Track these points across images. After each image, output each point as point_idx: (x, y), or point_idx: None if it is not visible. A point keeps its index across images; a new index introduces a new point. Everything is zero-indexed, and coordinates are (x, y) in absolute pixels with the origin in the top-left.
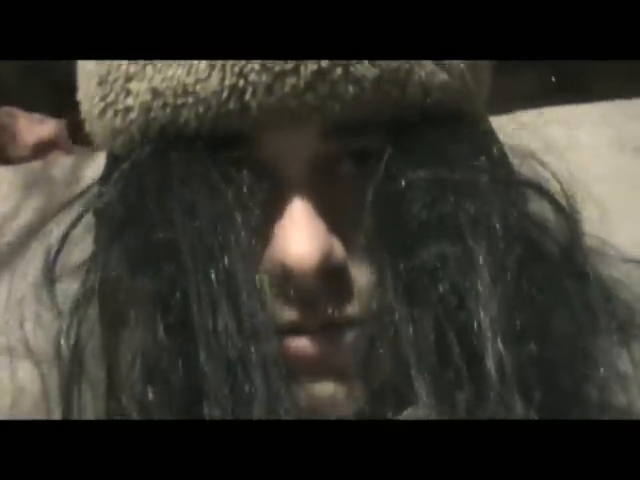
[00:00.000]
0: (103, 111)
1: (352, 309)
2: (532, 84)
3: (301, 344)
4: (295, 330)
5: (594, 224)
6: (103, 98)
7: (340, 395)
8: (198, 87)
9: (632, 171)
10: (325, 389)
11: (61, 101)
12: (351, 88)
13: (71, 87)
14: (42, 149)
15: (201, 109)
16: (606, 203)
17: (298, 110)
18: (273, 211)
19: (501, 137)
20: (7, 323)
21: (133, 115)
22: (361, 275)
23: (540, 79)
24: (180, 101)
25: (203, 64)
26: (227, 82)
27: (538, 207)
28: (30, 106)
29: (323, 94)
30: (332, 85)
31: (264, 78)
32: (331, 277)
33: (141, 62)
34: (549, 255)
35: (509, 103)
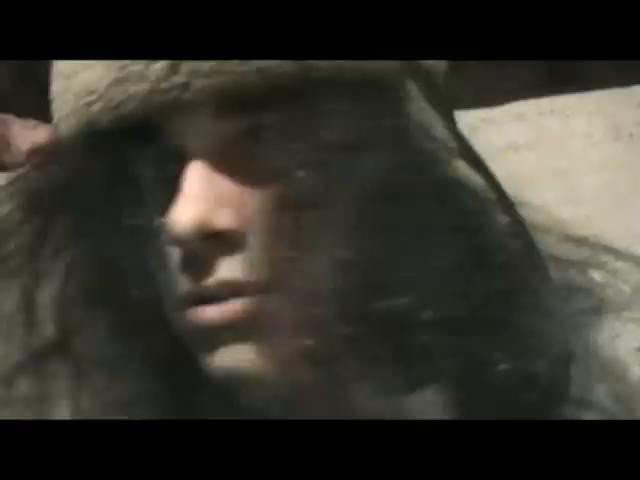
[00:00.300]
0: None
1: (252, 275)
2: (525, 75)
3: (208, 313)
4: (203, 300)
5: (589, 211)
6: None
7: (249, 358)
8: (98, 84)
9: (627, 158)
10: (233, 354)
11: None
12: (236, 64)
13: None
14: (36, 155)
15: (104, 103)
16: (602, 190)
17: (190, 92)
18: (177, 188)
19: (495, 129)
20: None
21: (60, 113)
22: (263, 243)
23: (533, 70)
24: (88, 99)
25: (99, 65)
26: (116, 75)
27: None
28: (22, 110)
29: (210, 73)
30: (218, 64)
31: (147, 70)
32: (222, 241)
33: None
34: (464, 208)
35: (503, 95)
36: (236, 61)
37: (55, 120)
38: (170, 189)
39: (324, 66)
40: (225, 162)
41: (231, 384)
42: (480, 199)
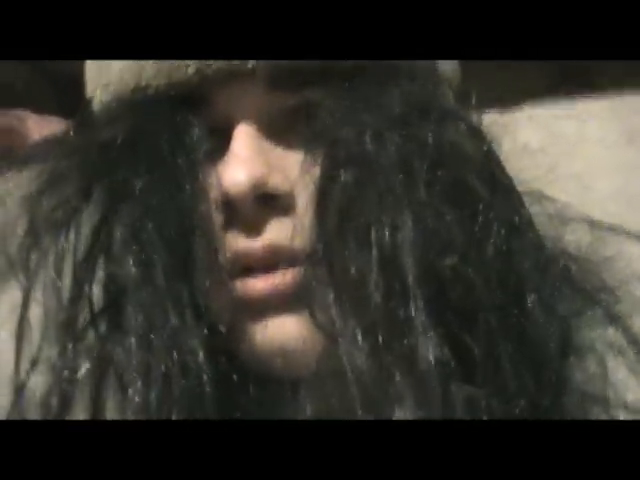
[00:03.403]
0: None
1: (299, 241)
2: (538, 79)
3: (257, 285)
4: (248, 267)
5: (602, 214)
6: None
7: (298, 328)
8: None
9: None
10: (283, 324)
11: (69, 100)
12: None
13: (78, 85)
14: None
15: (159, 66)
16: (616, 193)
17: (250, 62)
18: (226, 152)
19: (510, 131)
20: None
21: (96, 84)
22: (312, 210)
23: (546, 73)
24: (142, 62)
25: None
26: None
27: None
28: (38, 106)
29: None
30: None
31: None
32: (273, 205)
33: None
34: (473, 185)
35: (517, 97)
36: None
37: (90, 92)
38: (218, 156)
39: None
40: (272, 130)
41: (270, 358)
42: (499, 182)
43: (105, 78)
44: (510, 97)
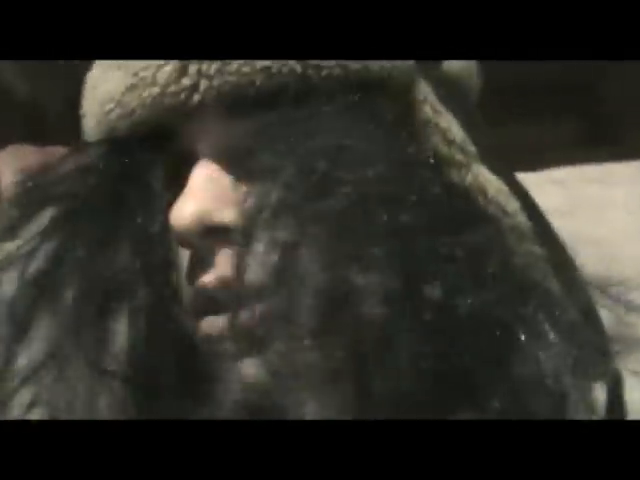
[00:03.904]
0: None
1: (252, 276)
2: (564, 137)
3: (214, 324)
4: (207, 304)
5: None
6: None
7: (256, 370)
8: (115, 91)
9: None
10: (245, 366)
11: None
12: (241, 64)
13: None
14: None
15: (120, 110)
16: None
17: (198, 94)
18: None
19: (534, 193)
20: None
21: (87, 126)
22: (266, 243)
23: (573, 132)
24: (108, 107)
25: (117, 73)
26: (130, 81)
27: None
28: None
29: (216, 74)
30: (223, 64)
31: (157, 74)
32: (224, 239)
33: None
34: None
35: (542, 157)
36: (241, 61)
37: (85, 135)
38: (179, 191)
39: (329, 66)
40: (230, 161)
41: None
42: (498, 205)
43: (92, 120)
44: (537, 158)
